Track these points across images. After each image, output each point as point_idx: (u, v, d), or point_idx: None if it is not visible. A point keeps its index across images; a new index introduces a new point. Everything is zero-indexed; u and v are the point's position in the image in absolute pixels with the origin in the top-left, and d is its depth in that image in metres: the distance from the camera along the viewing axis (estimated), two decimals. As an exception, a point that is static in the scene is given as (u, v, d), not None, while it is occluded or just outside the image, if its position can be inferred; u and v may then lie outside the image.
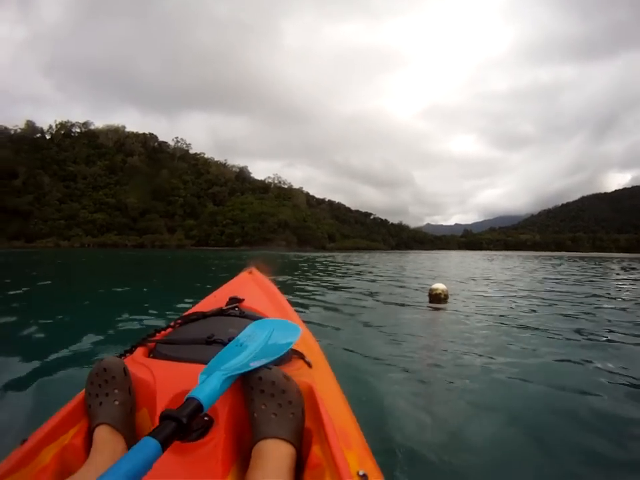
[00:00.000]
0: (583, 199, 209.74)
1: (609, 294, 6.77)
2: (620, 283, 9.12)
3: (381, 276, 10.01)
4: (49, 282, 8.28)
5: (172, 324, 1.24)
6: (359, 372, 2.24)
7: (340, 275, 10.58)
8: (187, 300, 4.62)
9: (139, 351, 1.08)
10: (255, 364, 0.84)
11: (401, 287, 7.28)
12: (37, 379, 2.04)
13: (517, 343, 3.04)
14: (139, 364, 0.94)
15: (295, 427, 0.77)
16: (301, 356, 1.05)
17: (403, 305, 5.00)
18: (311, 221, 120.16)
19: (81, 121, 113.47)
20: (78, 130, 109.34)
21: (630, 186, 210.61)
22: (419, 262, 21.40)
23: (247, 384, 0.81)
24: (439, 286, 5.27)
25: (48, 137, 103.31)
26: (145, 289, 7.06)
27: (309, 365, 1.02)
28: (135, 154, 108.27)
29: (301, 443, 0.76)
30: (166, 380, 0.89)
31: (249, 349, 0.93)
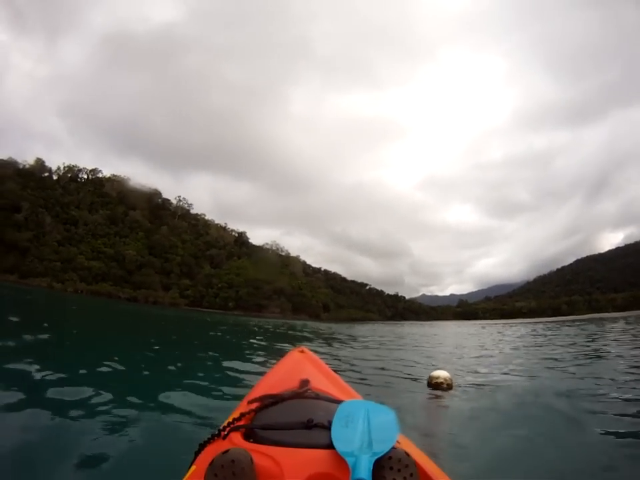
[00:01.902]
0: (577, 262, 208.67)
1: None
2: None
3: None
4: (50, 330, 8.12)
5: (253, 407, 1.26)
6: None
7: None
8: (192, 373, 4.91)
9: (235, 436, 1.08)
10: (385, 445, 0.93)
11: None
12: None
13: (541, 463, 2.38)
14: (260, 453, 0.95)
15: None
16: None
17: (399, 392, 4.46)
18: (307, 289, 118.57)
19: (89, 166, 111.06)
20: (85, 176, 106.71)
21: (623, 244, 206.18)
22: (413, 337, 19.64)
23: (377, 462, 0.88)
24: (441, 373, 4.55)
25: (55, 177, 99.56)
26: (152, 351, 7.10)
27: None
28: (137, 208, 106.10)
29: None
30: (291, 466, 0.91)
31: (361, 432, 1.00)
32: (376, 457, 0.89)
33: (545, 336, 14.67)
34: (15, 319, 7.98)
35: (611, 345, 8.70)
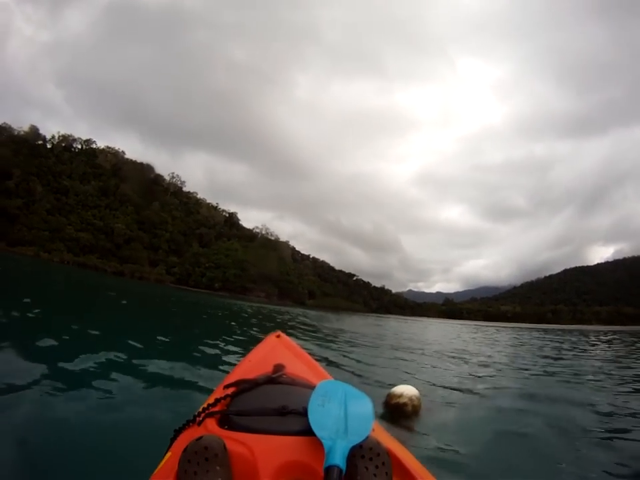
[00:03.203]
0: (566, 272, 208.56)
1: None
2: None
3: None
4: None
5: (229, 392, 1.26)
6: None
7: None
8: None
9: (210, 422, 1.09)
10: (361, 435, 0.94)
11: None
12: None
13: None
14: (233, 440, 0.95)
15: None
16: None
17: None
18: (294, 276, 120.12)
19: (84, 137, 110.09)
20: (79, 146, 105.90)
21: (612, 259, 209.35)
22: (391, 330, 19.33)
23: (350, 450, 0.89)
24: (406, 390, 3.26)
25: (49, 145, 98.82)
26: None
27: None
28: (129, 182, 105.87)
29: None
30: (264, 453, 0.92)
31: (337, 416, 1.02)
32: (351, 445, 0.90)
33: (538, 346, 13.61)
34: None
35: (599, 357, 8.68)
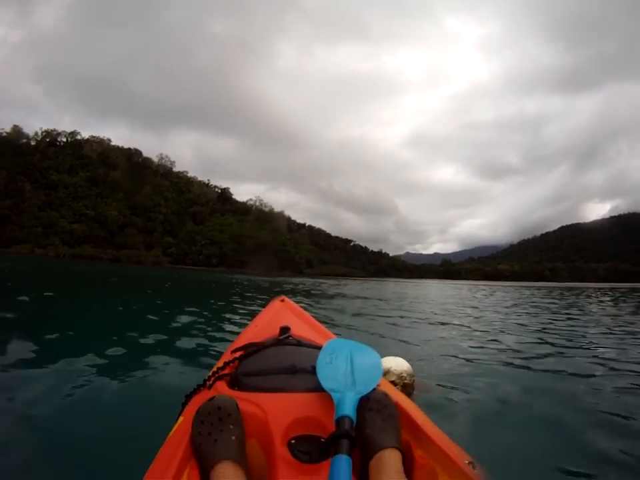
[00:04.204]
0: (562, 229, 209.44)
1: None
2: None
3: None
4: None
5: (237, 356, 1.27)
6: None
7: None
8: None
9: (220, 385, 1.10)
10: (368, 386, 0.97)
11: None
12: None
13: None
14: (244, 399, 0.96)
15: (398, 436, 0.89)
16: None
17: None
18: (291, 246, 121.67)
19: (68, 130, 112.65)
20: (64, 139, 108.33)
21: (608, 216, 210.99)
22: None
23: (358, 403, 0.91)
24: (394, 364, 2.44)
25: (33, 143, 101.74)
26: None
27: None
28: (118, 168, 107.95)
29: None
30: (275, 410, 0.94)
31: (344, 370, 1.05)
32: (360, 396, 0.92)
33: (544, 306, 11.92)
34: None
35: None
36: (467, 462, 0.83)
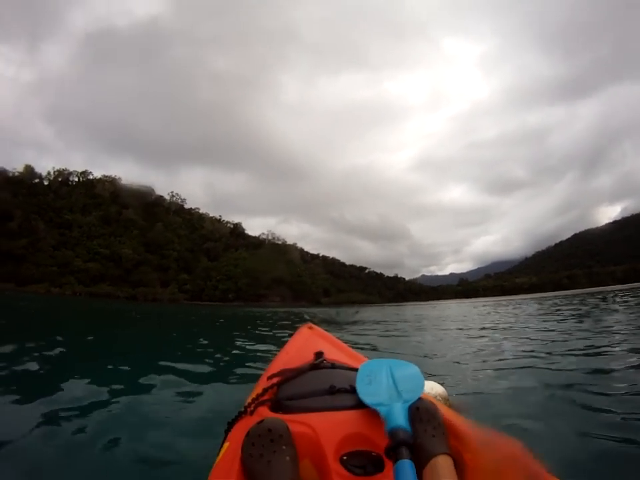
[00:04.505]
0: (576, 236, 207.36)
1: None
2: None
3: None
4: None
5: (275, 382, 1.27)
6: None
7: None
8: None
9: (262, 410, 1.11)
10: (415, 394, 0.97)
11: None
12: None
13: None
14: (292, 420, 0.96)
15: (447, 442, 0.89)
16: None
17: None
18: (306, 276, 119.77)
19: (79, 169, 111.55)
20: (76, 179, 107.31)
21: (620, 217, 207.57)
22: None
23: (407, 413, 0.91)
24: (429, 388, 2.38)
25: (46, 182, 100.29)
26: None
27: None
28: (130, 207, 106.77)
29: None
30: (324, 428, 0.94)
31: (386, 384, 1.04)
32: (408, 404, 0.91)
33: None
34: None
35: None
36: (526, 457, 0.81)
